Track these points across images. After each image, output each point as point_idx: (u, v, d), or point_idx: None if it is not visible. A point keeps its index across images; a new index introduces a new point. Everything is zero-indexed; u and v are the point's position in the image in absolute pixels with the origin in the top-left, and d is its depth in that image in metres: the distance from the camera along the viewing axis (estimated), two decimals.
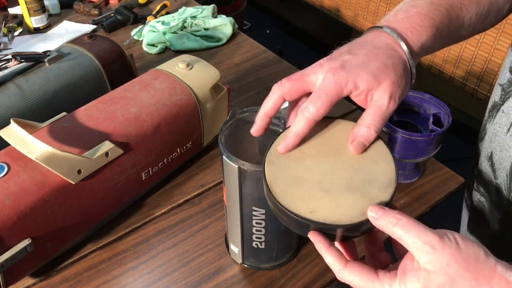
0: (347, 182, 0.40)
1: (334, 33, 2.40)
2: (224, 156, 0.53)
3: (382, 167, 0.42)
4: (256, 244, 0.61)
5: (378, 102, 0.43)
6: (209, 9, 1.17)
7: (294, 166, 0.42)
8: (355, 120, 0.45)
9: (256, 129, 0.48)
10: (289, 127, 0.46)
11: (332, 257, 0.40)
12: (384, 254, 0.44)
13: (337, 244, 0.43)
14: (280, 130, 0.58)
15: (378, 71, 0.43)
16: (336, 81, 0.43)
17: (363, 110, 0.45)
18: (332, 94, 0.43)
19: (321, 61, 0.45)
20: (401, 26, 0.47)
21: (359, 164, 0.42)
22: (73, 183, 0.60)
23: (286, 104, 0.76)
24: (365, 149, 0.44)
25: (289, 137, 0.44)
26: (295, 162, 0.43)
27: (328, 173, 0.41)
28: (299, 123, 0.43)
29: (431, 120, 0.71)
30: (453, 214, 1.72)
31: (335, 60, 0.44)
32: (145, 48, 1.10)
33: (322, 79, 0.44)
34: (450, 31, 0.50)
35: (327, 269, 0.64)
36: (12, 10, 1.23)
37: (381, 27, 0.47)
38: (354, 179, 0.41)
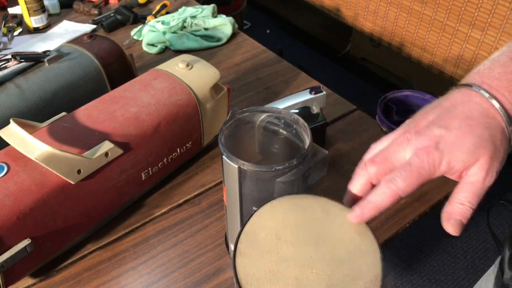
0: (328, 278, 0.35)
1: (334, 33, 2.40)
2: (224, 156, 0.53)
3: (367, 259, 0.37)
4: None
5: (473, 178, 0.39)
6: (209, 8, 1.17)
7: (269, 256, 0.37)
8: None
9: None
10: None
11: None
12: None
13: None
14: (279, 130, 0.58)
15: (475, 148, 0.39)
16: (430, 162, 0.38)
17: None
18: (424, 175, 0.39)
19: (406, 134, 0.40)
20: (497, 84, 0.40)
21: (342, 255, 0.37)
22: (73, 183, 0.60)
23: (288, 103, 0.76)
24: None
25: (367, 207, 0.39)
26: (269, 251, 0.37)
27: (307, 266, 0.36)
28: (382, 194, 0.39)
29: None
30: None
31: (425, 135, 0.40)
32: (145, 48, 1.10)
33: (412, 154, 0.39)
34: None
35: None
36: (11, 10, 1.23)
37: (471, 86, 0.41)
38: (336, 275, 0.36)
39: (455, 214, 0.40)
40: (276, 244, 0.37)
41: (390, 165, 0.40)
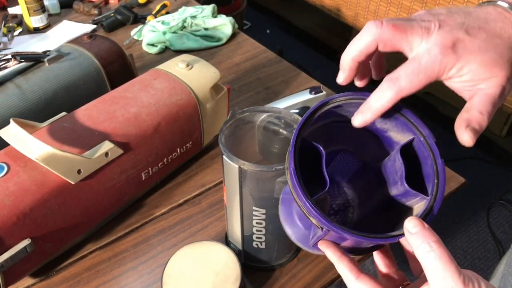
0: (212, 283, 0.56)
1: (334, 33, 2.40)
2: (224, 156, 0.53)
3: (232, 269, 0.57)
4: (257, 244, 0.61)
5: (488, 90, 0.38)
6: (209, 9, 1.17)
7: (177, 277, 0.57)
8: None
9: (344, 78, 0.42)
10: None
11: (345, 267, 0.38)
12: (398, 273, 0.41)
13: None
14: (280, 130, 0.58)
15: (493, 64, 0.38)
16: (443, 64, 0.37)
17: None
18: (431, 76, 0.38)
19: (431, 23, 0.38)
20: None
21: (218, 270, 0.57)
22: (73, 183, 0.59)
23: (288, 103, 0.76)
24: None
25: (368, 112, 0.39)
26: (177, 276, 0.57)
27: (200, 278, 0.57)
28: (383, 98, 0.38)
29: (402, 171, 0.41)
30: (453, 213, 1.72)
31: (448, 33, 0.38)
32: (145, 48, 1.10)
33: (425, 49, 0.38)
34: None
35: (327, 269, 0.64)
36: (11, 10, 1.23)
37: (510, 7, 0.40)
38: (216, 281, 0.56)
39: (473, 121, 0.37)
40: (182, 270, 0.58)
41: (402, 41, 0.38)
